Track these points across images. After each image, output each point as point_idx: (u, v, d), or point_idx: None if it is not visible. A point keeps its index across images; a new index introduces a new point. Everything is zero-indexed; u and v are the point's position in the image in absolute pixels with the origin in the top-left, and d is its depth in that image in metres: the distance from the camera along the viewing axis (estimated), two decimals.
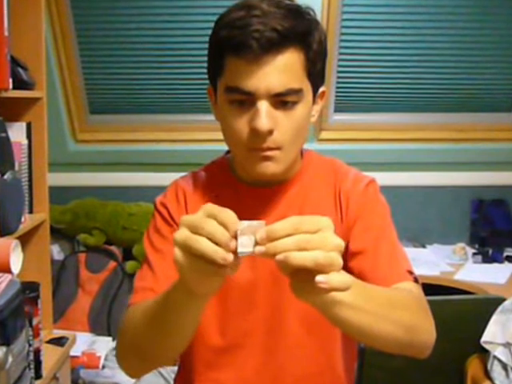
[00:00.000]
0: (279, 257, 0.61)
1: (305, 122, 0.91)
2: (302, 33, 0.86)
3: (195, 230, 0.63)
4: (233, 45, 0.84)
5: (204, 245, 0.62)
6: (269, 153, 0.88)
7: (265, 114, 0.85)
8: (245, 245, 0.63)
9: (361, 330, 0.76)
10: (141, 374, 0.95)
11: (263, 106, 0.85)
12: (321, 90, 0.95)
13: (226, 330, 0.98)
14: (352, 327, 0.75)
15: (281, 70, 0.85)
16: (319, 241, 0.61)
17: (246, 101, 0.86)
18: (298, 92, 0.87)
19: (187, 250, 0.63)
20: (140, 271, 0.99)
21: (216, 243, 0.62)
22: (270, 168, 0.89)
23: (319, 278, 0.61)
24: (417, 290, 0.91)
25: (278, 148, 0.88)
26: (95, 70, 2.64)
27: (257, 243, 0.62)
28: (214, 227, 0.62)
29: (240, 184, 1.00)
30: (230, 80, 0.87)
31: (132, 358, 0.90)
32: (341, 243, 0.63)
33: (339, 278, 0.62)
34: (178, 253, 0.64)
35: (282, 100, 0.86)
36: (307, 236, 0.61)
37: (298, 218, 0.63)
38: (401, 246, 0.98)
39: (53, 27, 2.45)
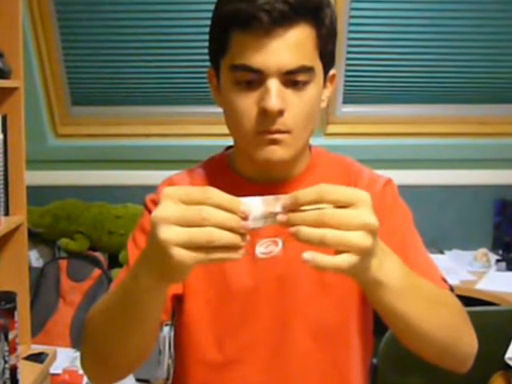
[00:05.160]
0: (292, 230, 0.64)
1: (316, 106, 0.93)
2: (313, 7, 0.88)
3: (192, 224, 0.64)
4: (240, 19, 0.86)
5: (221, 234, 0.63)
6: (277, 136, 0.89)
7: (275, 93, 0.86)
8: (258, 220, 0.66)
9: (404, 320, 0.78)
10: (107, 383, 0.94)
11: (273, 84, 0.86)
12: (331, 72, 0.97)
13: (224, 344, 0.98)
14: (395, 316, 0.77)
15: (292, 45, 0.86)
16: (342, 217, 0.64)
17: (254, 80, 0.87)
18: (309, 70, 0.88)
19: (194, 246, 0.64)
20: (119, 273, 1.00)
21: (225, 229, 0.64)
22: (278, 153, 0.90)
23: (305, 254, 0.64)
24: (454, 299, 0.93)
25: (287, 131, 0.89)
26: (78, 56, 2.63)
27: (267, 216, 0.66)
28: (217, 215, 0.64)
29: (242, 181, 1.00)
30: (236, 58, 0.88)
31: (94, 364, 0.91)
32: (371, 222, 0.65)
33: (334, 259, 0.65)
34: (180, 253, 0.64)
35: (293, 79, 0.88)
36: (330, 210, 0.64)
37: (328, 186, 0.65)
38: (428, 252, 1.00)
39: (31, 9, 2.44)
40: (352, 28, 2.54)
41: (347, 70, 2.64)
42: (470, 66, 2.66)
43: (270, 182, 0.98)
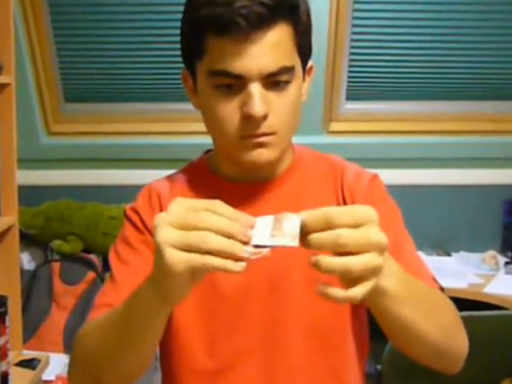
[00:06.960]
0: (312, 259, 0.64)
1: (298, 103, 0.95)
2: (290, 6, 0.89)
3: (189, 226, 0.65)
4: (217, 24, 0.86)
5: (217, 239, 0.64)
6: (263, 139, 0.91)
7: (259, 98, 0.87)
8: (263, 237, 0.66)
9: (404, 324, 0.80)
10: None
11: (256, 89, 0.88)
12: (308, 65, 0.99)
13: (215, 350, 0.98)
14: (396, 320, 0.79)
15: (271, 47, 0.87)
16: (358, 239, 0.64)
17: (235, 84, 0.89)
18: (290, 70, 0.90)
19: (189, 248, 0.64)
20: (103, 286, 1.00)
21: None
22: (264, 155, 0.92)
23: (335, 291, 0.66)
24: (447, 299, 0.94)
25: (273, 133, 0.91)
26: (71, 52, 2.64)
27: (273, 235, 0.66)
28: (214, 218, 0.64)
29: (224, 182, 1.01)
30: (214, 63, 0.89)
31: (85, 381, 0.91)
32: (383, 241, 0.66)
33: (353, 291, 0.66)
34: (172, 254, 0.64)
35: (274, 80, 0.89)
36: (343, 232, 0.64)
37: (335, 209, 0.65)
38: (417, 251, 1.02)
39: (22, 3, 2.45)
40: (355, 22, 2.54)
41: (351, 66, 2.64)
42: (478, 61, 2.66)
43: (253, 181, 1.00)
